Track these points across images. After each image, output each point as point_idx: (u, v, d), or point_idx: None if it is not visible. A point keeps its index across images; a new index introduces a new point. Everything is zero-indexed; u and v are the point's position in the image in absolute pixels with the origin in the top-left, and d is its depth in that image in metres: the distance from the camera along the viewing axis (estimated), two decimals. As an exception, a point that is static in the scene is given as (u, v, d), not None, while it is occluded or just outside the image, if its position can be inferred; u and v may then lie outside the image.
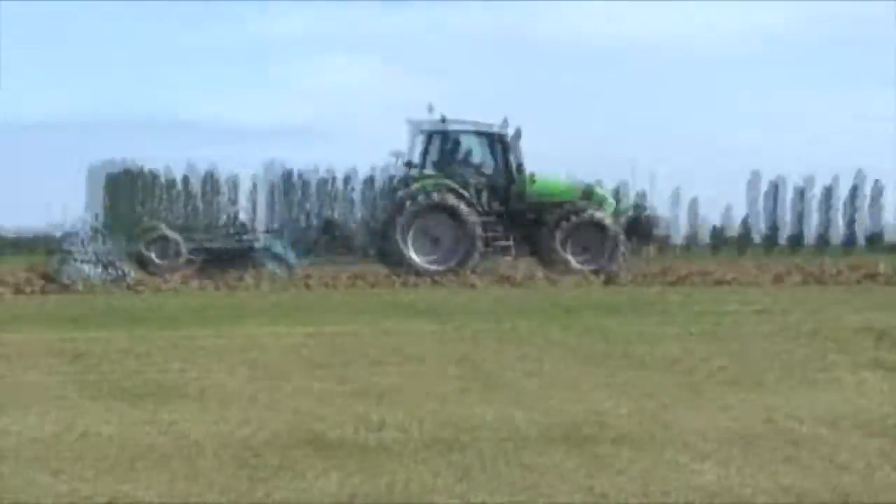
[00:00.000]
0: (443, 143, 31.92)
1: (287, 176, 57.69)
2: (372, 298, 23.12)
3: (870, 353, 13.22)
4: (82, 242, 36.13)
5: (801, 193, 61.61)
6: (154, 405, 9.69)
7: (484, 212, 30.90)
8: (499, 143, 31.87)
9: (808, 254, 50.84)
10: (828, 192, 59.74)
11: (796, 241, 61.22)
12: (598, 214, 31.59)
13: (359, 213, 48.46)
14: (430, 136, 31.80)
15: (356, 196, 55.96)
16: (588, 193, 32.13)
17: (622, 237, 31.70)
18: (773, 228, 60.61)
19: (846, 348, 13.66)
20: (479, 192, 31.17)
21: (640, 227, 33.20)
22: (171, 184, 59.48)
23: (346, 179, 57.76)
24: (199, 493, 6.41)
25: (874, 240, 58.33)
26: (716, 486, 6.51)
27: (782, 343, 14.47)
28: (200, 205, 57.92)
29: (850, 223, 58.96)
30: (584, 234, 31.24)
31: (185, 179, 59.88)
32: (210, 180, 59.01)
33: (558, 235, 30.97)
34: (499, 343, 14.84)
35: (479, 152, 31.99)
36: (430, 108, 31.68)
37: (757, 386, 10.76)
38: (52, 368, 12.70)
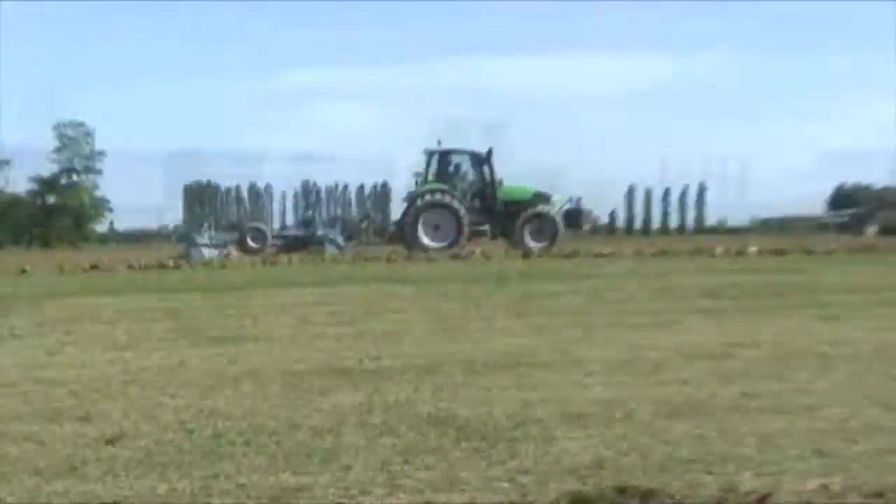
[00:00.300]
0: (440, 160, 33.31)
1: (318, 189, 60.47)
2: (367, 270, 23.40)
3: (702, 303, 13.85)
4: (201, 234, 38.04)
5: (648, 196, 64.37)
6: (227, 346, 10.20)
7: (468, 207, 32.21)
8: (478, 159, 33.31)
9: (655, 236, 52.48)
10: (666, 194, 62.72)
11: (645, 228, 63.71)
12: (545, 208, 33.03)
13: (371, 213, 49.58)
14: (431, 155, 33.29)
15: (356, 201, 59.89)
16: (538, 195, 33.30)
17: (561, 224, 33.28)
18: (631, 219, 63.22)
19: (686, 300, 14.31)
20: (464, 193, 32.61)
21: (576, 216, 34.54)
22: (240, 195, 62.78)
23: (358, 189, 61.55)
24: (260, 405, 6.89)
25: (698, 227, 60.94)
26: (603, 396, 6.98)
27: (649, 295, 15.20)
28: (265, 209, 60.70)
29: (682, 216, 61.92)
30: (535, 222, 32.53)
31: (251, 192, 63.20)
32: (266, 193, 62.31)
33: (519, 222, 32.63)
34: (455, 300, 15.38)
35: (464, 166, 33.27)
36: (439, 142, 33.95)
37: (629, 327, 11.20)
38: (127, 302, 13.41)
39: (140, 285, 19.88)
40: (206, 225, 44.95)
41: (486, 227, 33.33)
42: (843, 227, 48.81)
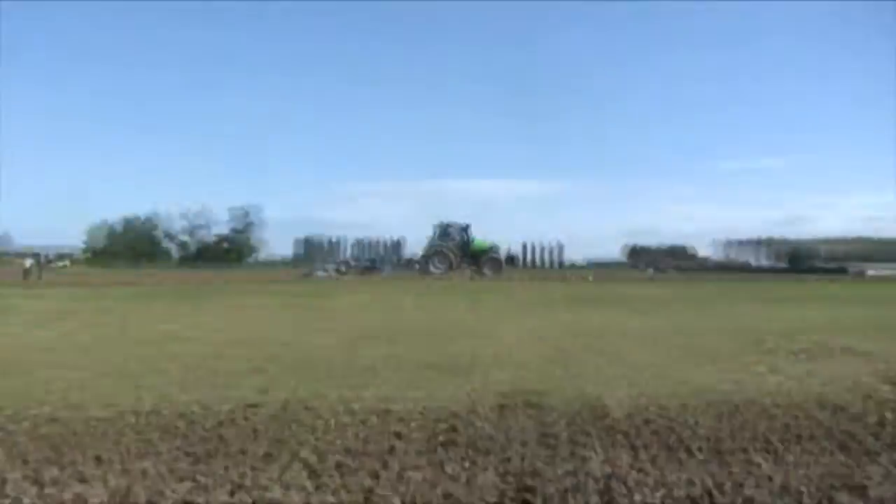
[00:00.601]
0: (442, 229, 33.38)
1: (364, 242, 59.61)
2: (393, 284, 23.35)
3: (565, 304, 13.48)
4: (321, 260, 38.54)
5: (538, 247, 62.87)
6: (318, 316, 9.94)
7: (456, 254, 32.37)
8: (462, 229, 33.62)
9: (538, 269, 52.08)
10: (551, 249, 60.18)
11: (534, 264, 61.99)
12: (496, 255, 33.12)
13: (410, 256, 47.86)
14: (437, 227, 33.47)
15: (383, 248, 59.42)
16: (494, 247, 33.59)
17: (504, 263, 33.03)
18: (532, 260, 61.48)
19: (556, 302, 14.02)
20: (455, 246, 32.85)
21: (511, 259, 35.18)
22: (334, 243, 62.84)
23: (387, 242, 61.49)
24: (333, 350, 6.75)
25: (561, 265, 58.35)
26: (512, 351, 6.85)
27: (536, 299, 14.74)
28: (345, 250, 60.08)
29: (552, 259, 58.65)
30: (490, 262, 32.52)
31: (329, 242, 63.40)
32: (337, 243, 62.30)
33: (483, 262, 32.24)
34: (429, 298, 15.13)
35: (455, 232, 33.62)
36: (441, 220, 33.89)
37: (525, 314, 11.04)
38: (271, 299, 13.03)
39: (272, 290, 19.66)
40: (320, 259, 45.77)
41: (465, 264, 32.92)
42: (633, 267, 48.98)
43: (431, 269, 31.90)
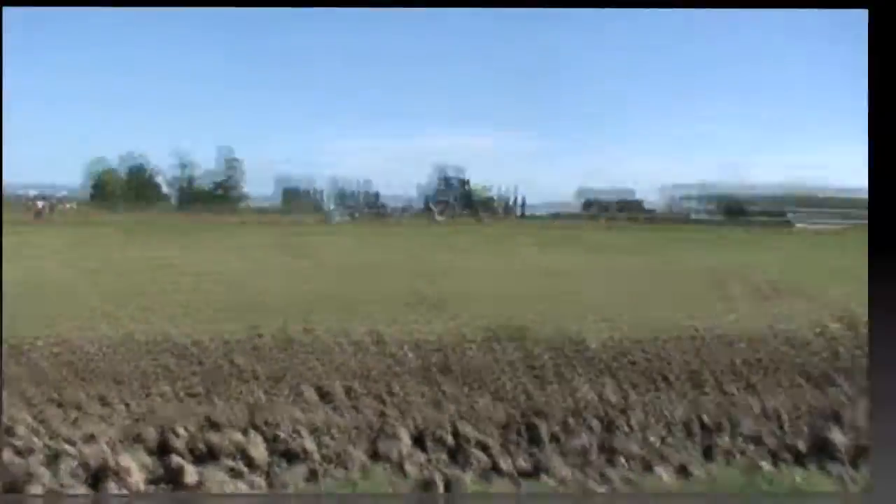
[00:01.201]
0: (444, 181, 33.76)
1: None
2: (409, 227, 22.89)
3: (534, 247, 12.83)
4: (333, 207, 37.14)
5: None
6: (314, 253, 9.56)
7: (457, 201, 32.76)
8: (461, 180, 34.04)
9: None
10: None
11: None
12: (493, 203, 33.67)
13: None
14: (439, 179, 33.80)
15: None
16: (489, 197, 33.96)
17: (501, 210, 33.55)
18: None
19: (526, 245, 13.18)
20: (456, 195, 33.07)
21: (507, 207, 34.95)
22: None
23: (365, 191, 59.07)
24: (328, 275, 6.65)
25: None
26: (492, 289, 6.40)
27: (509, 243, 13.92)
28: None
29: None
30: (489, 207, 32.74)
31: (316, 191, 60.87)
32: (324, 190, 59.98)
33: (481, 209, 32.47)
34: (424, 238, 14.43)
35: (455, 182, 33.57)
36: (445, 171, 34.07)
37: (501, 255, 10.59)
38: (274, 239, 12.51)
39: (256, 229, 19.04)
40: (333, 205, 43.74)
41: (466, 211, 32.80)
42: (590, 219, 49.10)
43: (436, 216, 31.79)
